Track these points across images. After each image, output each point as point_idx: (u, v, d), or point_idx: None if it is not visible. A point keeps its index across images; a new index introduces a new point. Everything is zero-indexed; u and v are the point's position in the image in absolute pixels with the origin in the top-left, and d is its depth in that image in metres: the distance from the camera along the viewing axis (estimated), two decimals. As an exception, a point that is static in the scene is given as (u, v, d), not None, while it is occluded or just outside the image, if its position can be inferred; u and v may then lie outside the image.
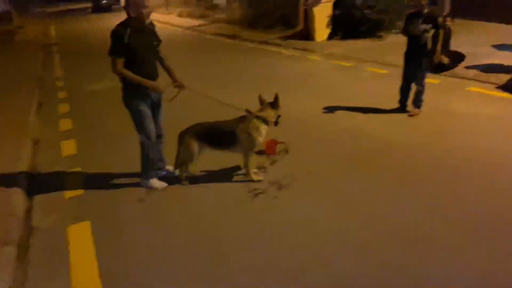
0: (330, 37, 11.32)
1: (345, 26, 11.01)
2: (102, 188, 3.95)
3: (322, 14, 11.25)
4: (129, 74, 3.50)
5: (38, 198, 3.86)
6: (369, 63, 8.44)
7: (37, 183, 4.18)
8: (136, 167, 3.92)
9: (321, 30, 11.25)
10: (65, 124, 6.04)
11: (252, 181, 3.83)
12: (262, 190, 3.69)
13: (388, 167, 4.01)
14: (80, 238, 3.16)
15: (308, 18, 11.64)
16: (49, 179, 4.27)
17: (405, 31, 5.31)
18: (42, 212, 3.62)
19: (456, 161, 4.04)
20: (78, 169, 4.41)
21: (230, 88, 7.29)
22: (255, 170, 3.93)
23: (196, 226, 3.24)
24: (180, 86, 3.83)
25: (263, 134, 3.81)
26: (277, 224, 3.19)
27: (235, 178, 3.97)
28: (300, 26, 12.97)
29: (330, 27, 11.28)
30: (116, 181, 4.09)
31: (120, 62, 3.49)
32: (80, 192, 3.91)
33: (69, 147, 5.08)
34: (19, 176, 4.17)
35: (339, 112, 5.67)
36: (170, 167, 4.07)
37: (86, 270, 2.79)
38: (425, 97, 5.37)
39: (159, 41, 3.77)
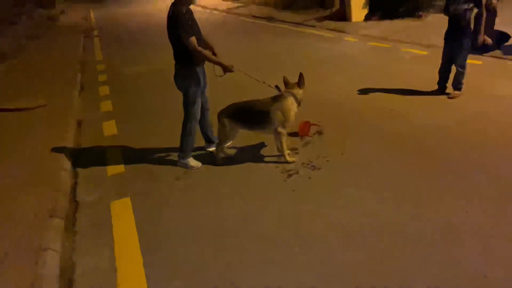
0: (367, 17, 11.05)
1: (383, 5, 10.69)
2: (141, 166, 4.12)
3: (360, -6, 10.97)
4: (206, 54, 3.66)
5: (82, 175, 4.08)
6: (408, 44, 8.21)
7: (81, 161, 4.41)
8: (172, 146, 4.06)
9: (358, 10, 11.00)
10: (106, 106, 6.28)
11: (286, 162, 3.88)
12: (296, 171, 3.73)
13: (424, 150, 3.95)
14: (122, 213, 3.33)
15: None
16: (92, 157, 4.49)
17: (446, 11, 5.13)
18: (86, 188, 3.83)
19: (497, 145, 3.92)
20: (119, 148, 4.62)
21: (266, 70, 7.26)
22: (288, 151, 3.98)
23: (229, 205, 3.33)
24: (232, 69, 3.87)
25: (294, 112, 3.84)
26: (310, 204, 3.23)
27: (268, 159, 4.03)
28: (336, 7, 12.71)
29: (367, 7, 10.98)
30: (154, 159, 4.25)
31: (195, 41, 3.60)
32: (121, 169, 4.09)
33: (110, 128, 5.29)
34: (65, 154, 4.41)
35: (375, 94, 5.59)
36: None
37: (128, 242, 2.95)
38: (467, 78, 5.19)
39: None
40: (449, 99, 5.17)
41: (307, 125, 4.48)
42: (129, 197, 3.53)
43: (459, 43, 5.03)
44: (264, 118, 3.81)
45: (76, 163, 4.32)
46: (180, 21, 3.55)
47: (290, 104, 3.80)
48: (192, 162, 4.02)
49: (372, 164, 3.78)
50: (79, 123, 5.60)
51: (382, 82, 6.04)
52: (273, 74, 6.67)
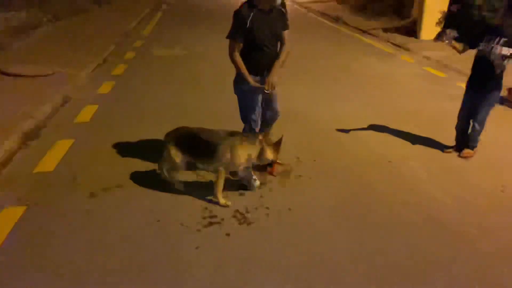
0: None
1: (459, 27, 9.18)
2: (77, 169, 3.69)
3: (435, 7, 9.54)
4: (239, 64, 3.32)
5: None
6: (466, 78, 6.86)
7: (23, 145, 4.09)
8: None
9: (430, 27, 9.57)
10: (105, 87, 5.98)
11: (218, 203, 3.20)
12: (220, 219, 3.04)
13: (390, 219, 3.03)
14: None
15: (418, 10, 10.03)
16: (40, 144, 4.13)
17: (472, 44, 3.94)
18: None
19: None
20: (74, 139, 4.22)
21: (296, 79, 6.43)
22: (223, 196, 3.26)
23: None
24: (265, 87, 3.37)
25: (245, 161, 3.19)
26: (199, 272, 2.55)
27: (206, 194, 3.35)
28: (412, 18, 11.34)
29: (441, 25, 9.53)
30: (105, 164, 3.80)
31: (238, 47, 3.28)
32: (50, 168, 3.68)
33: (86, 114, 4.95)
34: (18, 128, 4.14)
35: (385, 136, 4.59)
36: None
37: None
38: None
39: (286, 26, 3.41)
40: (460, 157, 4.12)
41: (273, 163, 3.71)
42: (26, 206, 3.09)
43: (485, 95, 3.91)
44: (210, 151, 3.16)
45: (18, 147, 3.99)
46: (232, 21, 3.27)
47: (245, 149, 3.15)
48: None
49: (318, 236, 2.94)
50: (66, 100, 5.34)
51: (406, 120, 5.00)
52: (299, 86, 5.93)
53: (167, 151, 3.29)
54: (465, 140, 4.18)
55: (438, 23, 9.59)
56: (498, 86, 3.93)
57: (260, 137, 3.22)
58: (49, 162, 3.77)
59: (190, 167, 3.47)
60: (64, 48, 7.71)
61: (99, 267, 2.53)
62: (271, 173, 3.68)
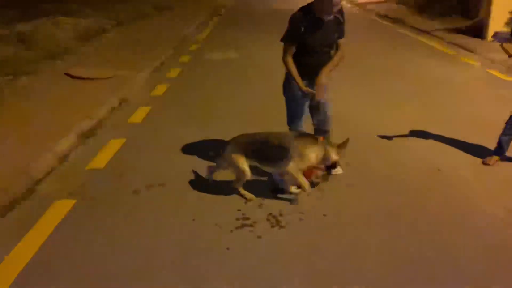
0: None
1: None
2: (125, 168, 3.90)
3: (504, 7, 8.88)
4: (290, 66, 3.39)
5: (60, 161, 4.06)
6: (536, 82, 6.32)
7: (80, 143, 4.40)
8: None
9: (498, 28, 8.92)
10: (159, 90, 6.26)
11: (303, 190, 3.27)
12: (253, 222, 3.05)
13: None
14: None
15: (486, 9, 9.39)
16: (91, 145, 4.43)
17: None
18: (55, 179, 3.78)
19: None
20: (123, 139, 4.47)
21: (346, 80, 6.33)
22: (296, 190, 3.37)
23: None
24: (313, 92, 3.40)
25: (311, 162, 3.25)
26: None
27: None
28: (478, 18, 10.64)
29: (511, 25, 8.84)
30: (153, 166, 4.00)
31: (290, 50, 3.38)
32: (101, 165, 3.93)
33: (138, 115, 5.21)
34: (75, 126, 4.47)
35: (433, 143, 4.35)
36: None
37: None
38: None
39: (342, 34, 3.44)
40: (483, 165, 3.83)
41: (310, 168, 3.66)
42: (75, 200, 3.32)
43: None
44: (280, 154, 3.21)
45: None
46: (287, 26, 3.34)
47: (313, 150, 3.21)
48: None
49: (350, 244, 2.86)
50: (123, 101, 5.66)
51: (457, 128, 4.70)
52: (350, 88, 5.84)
53: (235, 161, 3.27)
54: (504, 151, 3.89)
55: (506, 24, 8.91)
56: None
57: (321, 139, 3.28)
58: (101, 160, 4.02)
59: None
60: (125, 52, 8.18)
61: (135, 262, 2.65)
62: (308, 177, 3.63)
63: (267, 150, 3.27)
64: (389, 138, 4.47)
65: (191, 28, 11.47)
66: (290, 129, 3.64)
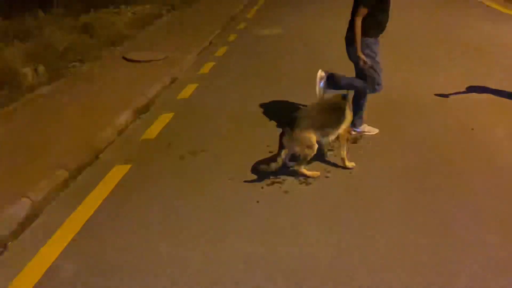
0: None
1: None
2: (179, 141, 4.37)
3: None
4: (357, 29, 3.64)
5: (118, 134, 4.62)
6: None
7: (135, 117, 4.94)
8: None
9: None
10: (206, 68, 6.68)
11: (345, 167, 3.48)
12: (282, 180, 3.37)
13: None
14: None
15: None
16: (146, 119, 4.96)
17: None
18: (115, 148, 4.33)
19: None
20: (172, 113, 4.94)
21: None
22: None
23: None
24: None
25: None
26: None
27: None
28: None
29: None
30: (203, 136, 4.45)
31: (363, 12, 3.64)
32: (152, 135, 4.44)
33: (186, 92, 5.67)
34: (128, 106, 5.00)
35: (471, 104, 4.32)
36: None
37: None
38: None
39: None
40: None
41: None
42: (131, 165, 3.84)
43: None
44: (339, 117, 3.43)
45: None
46: None
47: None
48: (367, 127, 4.00)
49: (374, 201, 3.08)
50: (173, 80, 6.15)
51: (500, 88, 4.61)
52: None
53: (307, 139, 3.26)
54: None
55: None
56: None
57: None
58: (153, 131, 4.52)
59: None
60: (177, 35, 8.68)
61: (177, 216, 3.10)
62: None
63: (329, 117, 3.41)
64: (429, 99, 4.50)
65: (239, 7, 11.74)
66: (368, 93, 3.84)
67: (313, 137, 3.27)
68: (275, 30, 8.78)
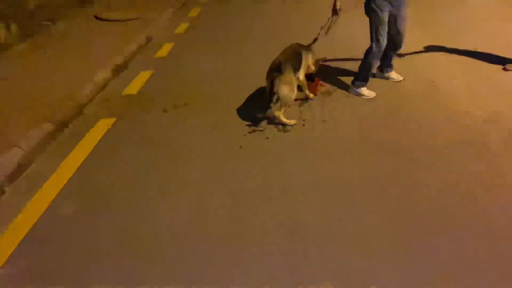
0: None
1: None
2: (158, 94, 4.51)
3: None
4: None
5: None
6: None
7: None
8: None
9: None
10: (181, 28, 6.73)
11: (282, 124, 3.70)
12: (263, 128, 3.63)
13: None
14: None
15: None
16: (125, 74, 5.04)
17: None
18: (97, 102, 4.44)
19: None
20: (151, 71, 5.05)
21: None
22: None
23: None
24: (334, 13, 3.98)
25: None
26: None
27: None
28: None
29: None
30: (179, 90, 4.59)
31: None
32: (134, 91, 4.56)
33: (164, 50, 5.75)
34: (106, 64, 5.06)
35: (433, 60, 4.66)
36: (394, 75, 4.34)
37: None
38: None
39: None
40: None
41: (317, 83, 4.14)
42: (115, 119, 3.98)
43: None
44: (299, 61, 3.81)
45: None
46: None
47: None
48: (366, 91, 4.08)
49: (346, 145, 3.40)
50: (148, 39, 6.19)
51: (465, 44, 4.97)
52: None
53: (289, 79, 3.58)
54: None
55: None
56: None
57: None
58: (134, 87, 4.64)
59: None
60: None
61: (164, 158, 3.31)
62: (314, 93, 4.12)
63: (296, 61, 3.76)
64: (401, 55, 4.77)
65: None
66: (372, 46, 3.89)
67: (294, 80, 3.67)
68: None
